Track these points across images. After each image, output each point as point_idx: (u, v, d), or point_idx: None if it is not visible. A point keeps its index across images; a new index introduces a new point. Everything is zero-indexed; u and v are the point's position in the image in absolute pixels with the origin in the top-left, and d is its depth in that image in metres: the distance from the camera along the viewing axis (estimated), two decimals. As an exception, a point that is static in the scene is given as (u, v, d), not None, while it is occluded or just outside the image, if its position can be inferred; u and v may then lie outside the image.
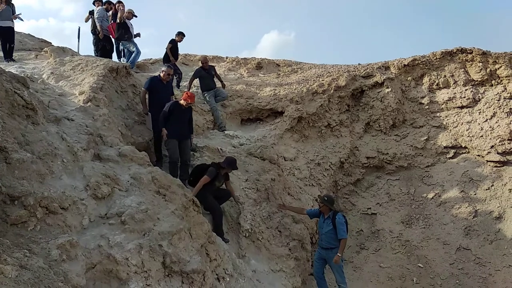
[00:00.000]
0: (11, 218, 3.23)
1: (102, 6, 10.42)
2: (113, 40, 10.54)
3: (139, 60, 11.08)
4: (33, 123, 4.41)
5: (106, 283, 3.53)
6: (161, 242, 4.14)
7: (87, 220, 3.98)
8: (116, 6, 10.49)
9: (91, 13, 10.53)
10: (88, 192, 4.26)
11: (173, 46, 10.36)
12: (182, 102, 6.75)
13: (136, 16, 10.46)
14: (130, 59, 10.16)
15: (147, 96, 7.26)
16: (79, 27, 11.73)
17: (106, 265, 3.60)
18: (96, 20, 10.08)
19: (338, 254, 6.34)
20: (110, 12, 10.55)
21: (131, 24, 10.28)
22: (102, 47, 10.15)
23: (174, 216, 4.58)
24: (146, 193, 4.72)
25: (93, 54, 10.09)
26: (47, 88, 6.16)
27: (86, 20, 10.84)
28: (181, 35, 10.61)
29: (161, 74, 7.27)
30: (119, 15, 9.89)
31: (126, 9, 10.27)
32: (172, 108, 6.69)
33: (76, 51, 10.60)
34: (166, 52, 10.32)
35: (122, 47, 10.61)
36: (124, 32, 10.04)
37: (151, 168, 5.26)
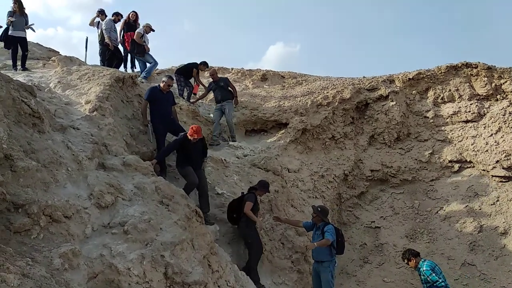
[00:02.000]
0: (15, 226, 3.23)
1: (110, 18, 10.56)
2: (122, 50, 10.71)
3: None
4: (39, 131, 4.45)
5: (107, 293, 3.52)
6: (164, 252, 4.12)
7: (90, 229, 3.99)
8: (130, 15, 10.72)
9: (101, 12, 10.70)
10: (92, 201, 4.26)
11: (198, 72, 10.51)
12: (189, 137, 6.51)
13: (153, 30, 10.72)
14: (147, 69, 10.41)
15: (148, 106, 7.28)
16: (87, 37, 11.87)
17: (108, 275, 3.58)
18: (104, 32, 10.21)
19: (315, 244, 6.09)
20: (119, 25, 10.71)
21: (148, 39, 10.54)
22: (109, 57, 10.25)
23: (177, 227, 4.57)
24: (149, 203, 4.72)
25: (99, 64, 10.21)
26: (54, 97, 6.22)
27: (91, 24, 10.97)
28: (205, 65, 10.74)
29: (161, 85, 7.30)
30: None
31: (143, 24, 10.59)
32: (181, 142, 6.52)
33: (84, 60, 10.71)
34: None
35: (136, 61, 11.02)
36: (138, 49, 10.30)
37: (154, 177, 5.27)
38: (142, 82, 9.43)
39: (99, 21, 10.74)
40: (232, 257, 6.15)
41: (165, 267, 4.03)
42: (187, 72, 10.37)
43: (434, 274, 5.88)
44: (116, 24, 10.66)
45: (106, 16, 10.71)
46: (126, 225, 4.15)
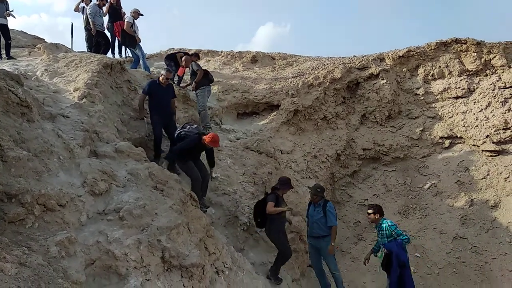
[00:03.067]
0: (9, 216, 3.22)
1: (95, 2, 10.36)
2: (108, 35, 10.56)
3: (131, 56, 11.07)
4: (28, 120, 4.39)
5: (105, 279, 3.54)
6: (160, 237, 4.14)
7: (85, 217, 3.98)
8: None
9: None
10: (86, 188, 4.25)
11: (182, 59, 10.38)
12: (205, 143, 6.34)
13: (142, 15, 10.53)
14: (143, 66, 10.25)
15: (146, 100, 7.18)
16: (72, 23, 11.64)
17: (105, 261, 3.60)
18: (88, 16, 10.02)
19: (331, 243, 6.37)
20: (105, 8, 10.51)
21: (137, 28, 10.34)
22: (96, 43, 10.09)
23: (172, 211, 4.58)
24: (144, 189, 4.72)
25: (86, 50, 10.05)
26: (42, 85, 6.12)
27: (76, 9, 10.77)
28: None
29: (160, 78, 7.20)
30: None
31: (131, 9, 10.39)
32: (195, 144, 6.37)
33: (70, 47, 10.53)
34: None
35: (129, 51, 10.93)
36: (130, 40, 10.16)
37: (148, 163, 5.26)
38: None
39: (84, 6, 10.55)
40: (229, 239, 6.22)
41: (162, 251, 4.06)
42: (176, 58, 10.28)
43: (398, 228, 6.16)
44: (102, 9, 10.45)
45: (91, 0, 10.51)
46: (121, 211, 4.16)
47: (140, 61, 10.39)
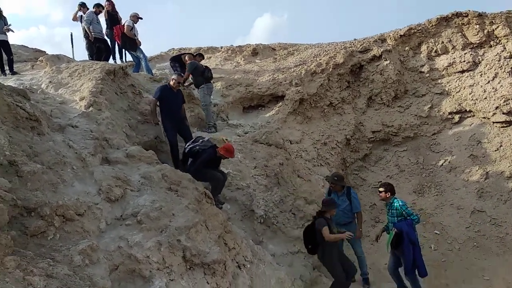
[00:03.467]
0: (30, 230, 3.27)
1: (92, 10, 10.37)
2: (108, 41, 10.60)
3: (132, 60, 11.11)
4: (38, 134, 4.43)
5: (130, 283, 3.59)
6: (179, 237, 4.18)
7: (104, 224, 4.03)
8: (106, 5, 10.51)
9: (82, 5, 10.54)
10: (102, 196, 4.29)
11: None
12: (221, 154, 6.42)
13: (141, 18, 10.59)
14: (146, 68, 10.27)
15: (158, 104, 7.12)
16: (71, 33, 11.70)
17: (129, 265, 3.65)
18: (85, 24, 10.05)
19: (359, 229, 6.54)
20: (102, 15, 10.55)
21: (137, 31, 10.42)
22: (97, 50, 10.13)
23: (189, 210, 4.61)
24: (158, 191, 4.75)
25: (87, 59, 10.09)
26: (48, 98, 6.18)
27: (74, 18, 10.80)
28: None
29: (171, 83, 7.17)
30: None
31: (131, 13, 10.45)
32: (210, 157, 6.38)
33: (71, 57, 10.57)
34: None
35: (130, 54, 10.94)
36: (130, 43, 10.24)
37: (160, 166, 5.29)
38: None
39: (81, 15, 10.57)
40: (246, 232, 6.25)
41: (183, 251, 4.10)
42: (181, 59, 10.34)
43: (409, 209, 6.16)
44: (99, 16, 10.48)
45: (88, 8, 10.53)
46: (139, 215, 4.19)
47: (143, 63, 10.41)
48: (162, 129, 7.16)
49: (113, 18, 10.67)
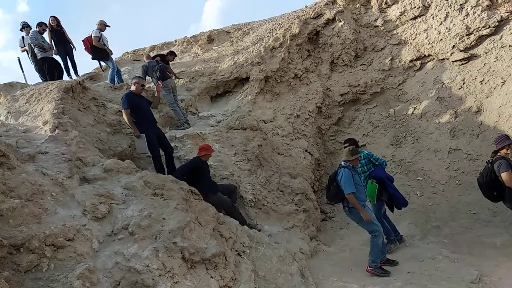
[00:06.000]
0: (23, 266, 3.22)
1: (35, 29, 9.95)
2: (58, 58, 10.25)
3: (90, 72, 10.87)
4: (9, 168, 4.31)
5: (136, 294, 3.60)
6: (174, 239, 4.19)
7: (96, 243, 4.00)
8: (50, 21, 10.15)
9: (24, 26, 10.21)
10: (88, 216, 4.24)
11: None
12: (203, 155, 6.41)
13: (109, 26, 10.34)
14: (117, 79, 10.10)
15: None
16: (18, 57, 11.19)
17: (130, 278, 3.65)
18: (31, 43, 9.66)
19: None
20: (47, 31, 10.13)
21: (106, 39, 10.23)
22: (49, 70, 9.74)
23: (178, 211, 4.62)
24: (144, 199, 4.73)
25: (41, 80, 9.74)
26: (10, 129, 5.97)
27: (21, 48, 10.40)
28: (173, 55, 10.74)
29: (134, 88, 6.79)
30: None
31: (97, 21, 10.27)
32: (198, 166, 6.32)
33: (24, 81, 10.18)
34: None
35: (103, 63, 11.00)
36: (101, 53, 10.14)
37: (140, 173, 5.24)
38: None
39: (23, 36, 10.18)
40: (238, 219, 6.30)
41: (181, 252, 4.12)
42: (165, 58, 10.41)
43: (375, 155, 6.56)
44: (44, 34, 10.07)
45: (31, 28, 10.13)
46: (130, 227, 4.18)
47: (109, 72, 10.29)
48: (145, 139, 6.49)
49: (59, 33, 10.28)
